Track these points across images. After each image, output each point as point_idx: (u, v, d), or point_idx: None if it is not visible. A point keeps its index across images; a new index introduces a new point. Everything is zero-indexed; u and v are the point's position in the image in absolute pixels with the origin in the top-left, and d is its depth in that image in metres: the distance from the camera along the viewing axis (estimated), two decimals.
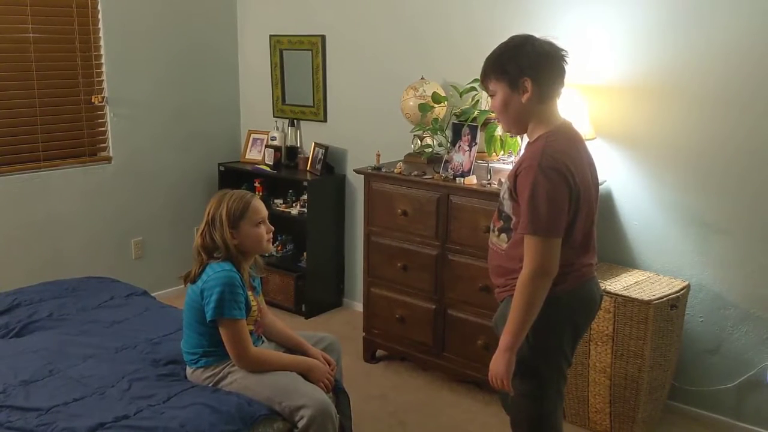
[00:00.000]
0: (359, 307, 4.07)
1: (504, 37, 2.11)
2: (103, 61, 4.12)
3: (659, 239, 3.19)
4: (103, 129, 4.21)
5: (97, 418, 2.17)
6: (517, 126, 2.10)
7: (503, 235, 2.09)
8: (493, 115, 3.17)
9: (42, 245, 3.99)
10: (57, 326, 2.91)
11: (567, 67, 2.03)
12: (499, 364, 2.00)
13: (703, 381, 3.16)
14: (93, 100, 4.12)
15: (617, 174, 3.24)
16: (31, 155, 3.91)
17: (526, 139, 2.16)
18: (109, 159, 4.25)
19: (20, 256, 3.90)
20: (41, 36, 3.86)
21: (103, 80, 4.14)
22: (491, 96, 2.10)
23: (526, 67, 1.97)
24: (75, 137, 4.10)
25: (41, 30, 3.85)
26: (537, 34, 2.05)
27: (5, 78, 3.75)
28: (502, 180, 3.04)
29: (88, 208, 4.18)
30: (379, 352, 3.77)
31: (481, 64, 2.09)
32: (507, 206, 2.06)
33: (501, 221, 2.10)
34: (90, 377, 2.45)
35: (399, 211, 3.43)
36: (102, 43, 4.11)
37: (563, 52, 2.02)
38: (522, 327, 1.96)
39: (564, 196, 1.92)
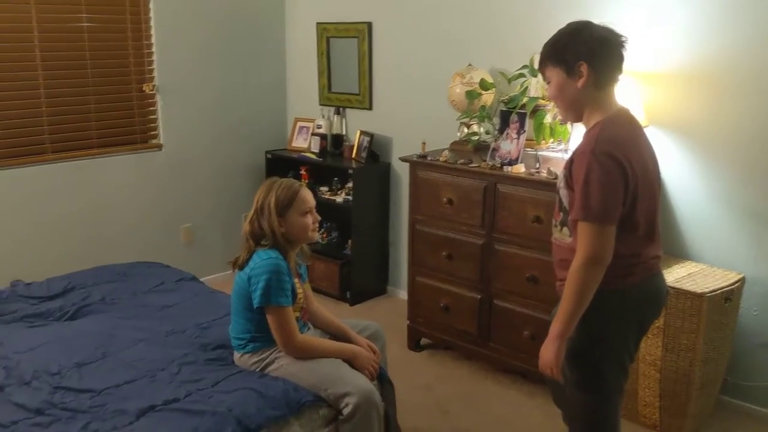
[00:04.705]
0: (404, 295, 4.07)
1: (555, 23, 2.08)
2: (153, 50, 4.19)
3: (713, 231, 3.10)
4: (153, 117, 4.29)
5: (147, 401, 2.22)
6: (573, 113, 2.06)
7: (565, 229, 2.05)
8: (543, 101, 3.13)
9: (94, 230, 4.09)
10: (109, 310, 2.99)
11: (626, 54, 1.99)
12: (548, 352, 1.99)
13: (757, 376, 3.07)
14: (144, 89, 4.20)
15: (670, 163, 3.15)
16: (85, 142, 4.01)
17: (577, 126, 2.12)
18: (159, 146, 4.32)
19: (74, 241, 4.00)
20: (95, 26, 3.94)
21: (153, 69, 4.21)
22: (548, 83, 2.08)
23: (583, 52, 1.95)
24: (127, 125, 4.19)
25: (95, 20, 3.93)
26: (595, 21, 2.01)
27: (61, 67, 3.84)
28: (551, 168, 3.00)
29: (139, 194, 4.27)
30: (424, 341, 3.77)
31: (531, 50, 2.06)
32: (563, 195, 2.02)
33: (561, 213, 2.07)
34: (140, 360, 2.51)
35: (444, 199, 3.41)
36: (153, 32, 4.17)
37: (622, 39, 1.98)
38: (573, 316, 1.93)
39: (618, 183, 1.88)
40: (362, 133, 4.37)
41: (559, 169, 2.80)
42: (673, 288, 2.79)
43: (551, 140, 3.30)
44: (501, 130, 3.33)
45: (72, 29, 3.86)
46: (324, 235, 4.60)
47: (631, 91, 3.02)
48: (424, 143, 3.66)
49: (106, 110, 4.07)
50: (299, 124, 4.77)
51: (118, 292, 3.16)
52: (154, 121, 4.30)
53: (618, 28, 2.00)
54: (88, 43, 3.92)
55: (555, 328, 1.97)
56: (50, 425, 2.11)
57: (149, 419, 2.14)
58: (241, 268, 2.43)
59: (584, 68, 1.95)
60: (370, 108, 4.43)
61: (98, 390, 2.30)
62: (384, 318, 4.03)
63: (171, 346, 2.63)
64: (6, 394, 2.29)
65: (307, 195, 2.47)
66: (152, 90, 4.23)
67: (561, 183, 2.04)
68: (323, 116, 4.63)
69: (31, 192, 3.80)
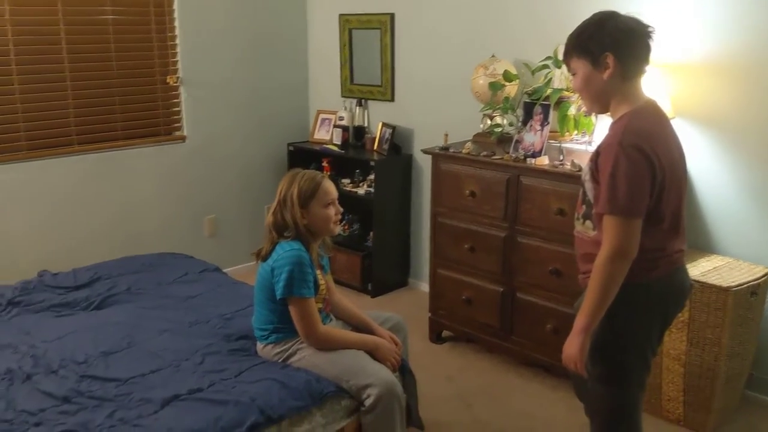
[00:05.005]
0: (425, 287, 4.07)
1: (580, 14, 2.05)
2: (177, 42, 4.22)
3: (740, 224, 3.05)
4: (177, 109, 4.32)
5: (172, 390, 2.25)
6: (599, 104, 2.04)
7: (588, 222, 2.04)
8: (568, 93, 3.10)
9: (120, 221, 4.13)
10: (134, 300, 3.03)
11: (653, 45, 1.96)
12: (572, 346, 1.97)
13: None
14: (168, 81, 4.23)
15: (697, 156, 3.11)
16: (110, 134, 4.05)
17: (601, 118, 2.09)
18: (183, 138, 4.35)
19: (99, 232, 4.05)
20: (119, 18, 3.97)
21: (177, 61, 4.24)
22: (573, 75, 2.05)
23: (608, 43, 1.92)
24: (151, 117, 4.22)
25: (119, 12, 3.97)
26: (621, 11, 1.98)
27: (86, 59, 3.88)
28: (575, 161, 2.97)
29: (163, 186, 4.31)
30: (445, 333, 3.76)
31: (555, 41, 2.04)
32: (588, 188, 2.00)
33: (584, 206, 2.05)
34: (165, 350, 2.54)
35: (467, 191, 3.39)
36: (176, 24, 4.20)
37: (649, 29, 1.95)
38: (598, 309, 1.92)
39: (645, 176, 1.85)
40: (384, 125, 4.36)
41: (583, 162, 2.78)
42: (698, 282, 2.76)
43: (575, 132, 3.27)
44: (524, 122, 3.31)
45: (97, 22, 3.90)
46: (346, 227, 4.61)
47: (658, 83, 2.98)
48: (446, 135, 3.65)
49: (131, 102, 4.10)
50: (321, 116, 4.77)
51: (143, 283, 3.20)
52: (178, 113, 4.33)
53: (644, 19, 1.97)
54: (113, 36, 3.95)
55: (579, 321, 1.96)
56: (77, 413, 2.15)
57: (174, 408, 2.17)
58: (264, 259, 2.44)
59: (610, 59, 1.92)
60: (392, 100, 4.42)
61: (124, 379, 2.34)
62: (405, 310, 4.03)
63: (195, 337, 2.66)
64: (33, 383, 2.33)
65: (330, 186, 2.47)
66: (176, 82, 4.26)
67: (586, 176, 2.02)
68: (345, 108, 4.63)
69: (57, 183, 3.85)
